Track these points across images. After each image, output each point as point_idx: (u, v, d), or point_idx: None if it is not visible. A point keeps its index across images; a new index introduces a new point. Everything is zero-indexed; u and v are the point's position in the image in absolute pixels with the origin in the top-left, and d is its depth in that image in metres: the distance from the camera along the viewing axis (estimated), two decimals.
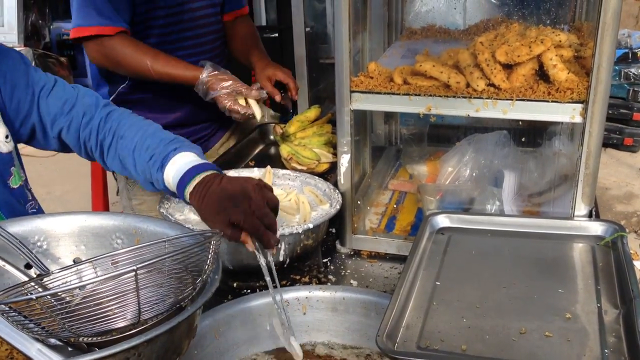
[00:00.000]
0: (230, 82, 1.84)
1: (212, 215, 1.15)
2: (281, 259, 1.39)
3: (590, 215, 1.38)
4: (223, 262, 1.39)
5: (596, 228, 1.32)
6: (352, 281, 1.46)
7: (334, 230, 1.62)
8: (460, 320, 1.10)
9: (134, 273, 0.65)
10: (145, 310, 0.70)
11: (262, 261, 1.19)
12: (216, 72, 1.85)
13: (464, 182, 1.76)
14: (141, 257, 0.74)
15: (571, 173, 1.41)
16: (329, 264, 1.53)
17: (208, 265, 0.77)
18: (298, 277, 1.44)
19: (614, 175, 4.22)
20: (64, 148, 1.38)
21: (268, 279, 1.19)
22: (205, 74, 1.84)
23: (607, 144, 4.71)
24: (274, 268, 1.19)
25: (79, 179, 4.11)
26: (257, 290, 1.37)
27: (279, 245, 1.37)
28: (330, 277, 1.47)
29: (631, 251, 3.53)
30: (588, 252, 1.28)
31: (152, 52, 1.86)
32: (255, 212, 1.14)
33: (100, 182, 3.14)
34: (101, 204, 3.13)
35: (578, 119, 1.30)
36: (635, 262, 3.51)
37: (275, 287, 1.20)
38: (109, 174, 2.81)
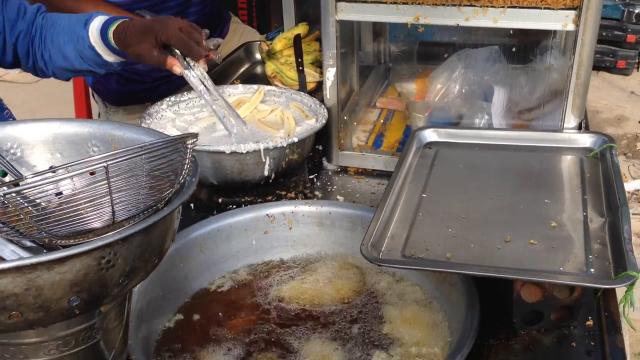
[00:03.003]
0: None
1: (138, 38, 1.29)
2: (266, 173, 1.37)
3: (579, 128, 1.36)
4: (207, 178, 1.38)
5: (585, 140, 1.31)
6: (338, 197, 1.44)
7: (320, 148, 1.60)
8: (445, 230, 1.09)
9: (104, 170, 0.62)
10: (120, 211, 0.68)
11: (192, 78, 1.37)
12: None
13: (453, 98, 1.72)
14: (120, 159, 0.71)
15: (562, 88, 1.38)
16: (315, 180, 1.51)
17: (185, 167, 0.75)
18: (284, 193, 1.43)
19: (606, 98, 4.19)
20: (14, 61, 1.45)
21: (201, 87, 1.39)
22: None
23: (599, 67, 4.64)
24: (207, 77, 1.39)
25: (63, 106, 4.04)
26: (243, 205, 1.36)
27: (264, 160, 1.35)
28: (317, 193, 1.46)
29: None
30: (576, 164, 1.26)
31: (93, 2, 1.74)
32: (182, 28, 1.31)
33: (84, 108, 3.08)
34: None
35: (571, 27, 1.26)
36: (624, 184, 3.53)
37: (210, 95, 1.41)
38: (92, 101, 2.76)
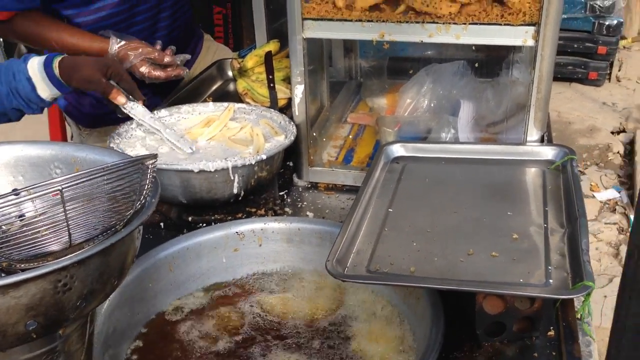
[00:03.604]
0: (140, 50, 1.71)
1: (89, 68, 1.40)
2: (235, 191, 1.38)
3: (542, 141, 1.39)
4: (176, 197, 1.39)
5: (547, 152, 1.33)
6: (308, 213, 1.46)
7: (291, 164, 1.61)
8: (410, 244, 1.11)
9: (58, 192, 0.63)
10: (77, 233, 0.69)
11: (139, 107, 1.49)
12: (124, 42, 1.72)
13: (422, 112, 1.75)
14: (77, 182, 0.72)
15: (525, 101, 1.41)
16: (285, 196, 1.52)
17: (146, 188, 0.76)
18: (254, 210, 1.44)
19: (578, 109, 4.26)
20: None
21: (149, 116, 1.51)
22: (115, 47, 1.71)
23: (571, 78, 4.73)
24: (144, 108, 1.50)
25: (39, 126, 4.02)
26: (212, 223, 1.37)
27: (233, 178, 1.36)
28: (287, 209, 1.47)
29: (592, 183, 3.61)
30: (539, 176, 1.29)
31: (56, 27, 1.73)
32: (123, 71, 1.47)
33: (58, 130, 3.08)
34: None
35: (530, 42, 1.29)
36: (596, 194, 3.59)
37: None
38: (66, 123, 2.76)
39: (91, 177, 0.69)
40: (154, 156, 0.77)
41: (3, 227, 0.72)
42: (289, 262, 1.31)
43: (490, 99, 1.73)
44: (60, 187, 0.63)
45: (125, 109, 1.47)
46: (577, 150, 3.72)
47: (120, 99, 1.45)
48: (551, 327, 1.04)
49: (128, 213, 0.77)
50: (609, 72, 4.88)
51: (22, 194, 0.66)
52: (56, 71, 1.40)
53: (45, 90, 1.42)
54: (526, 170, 1.32)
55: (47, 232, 0.67)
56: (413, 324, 1.13)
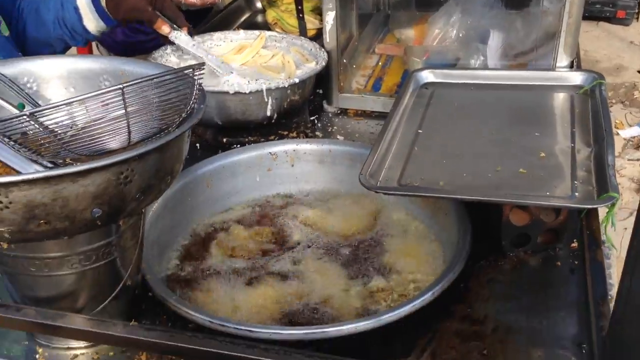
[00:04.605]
0: None
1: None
2: (268, 113, 1.42)
3: (571, 67, 1.41)
4: (212, 118, 1.43)
5: (576, 78, 1.35)
6: (338, 137, 1.50)
7: (321, 91, 1.65)
8: (440, 162, 1.15)
9: (121, 92, 0.68)
10: (135, 132, 0.74)
11: (182, 36, 1.48)
12: None
13: (450, 42, 1.76)
14: (136, 83, 0.76)
15: (555, 30, 1.42)
16: (316, 121, 1.56)
17: (194, 95, 0.80)
18: (286, 133, 1.48)
19: (605, 48, 4.20)
20: None
21: (192, 43, 1.50)
22: None
23: (599, 17, 4.64)
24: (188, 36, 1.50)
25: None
26: (246, 144, 1.41)
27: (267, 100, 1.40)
28: (318, 133, 1.51)
29: (617, 121, 3.59)
30: (567, 101, 1.31)
31: None
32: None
33: None
34: None
35: None
36: (620, 131, 3.58)
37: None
38: (97, 52, 2.79)
39: (146, 81, 0.73)
40: (201, 65, 0.81)
41: (67, 126, 0.78)
42: (321, 183, 1.36)
43: (520, 29, 1.73)
44: (122, 87, 0.68)
45: (170, 37, 1.47)
46: None
47: (164, 29, 1.45)
48: (574, 240, 1.08)
49: (178, 118, 0.82)
50: (637, 10, 4.77)
51: (87, 95, 0.71)
52: (103, 2, 1.40)
53: (91, 21, 1.42)
54: (555, 95, 1.34)
55: (108, 129, 0.72)
56: (442, 239, 1.18)
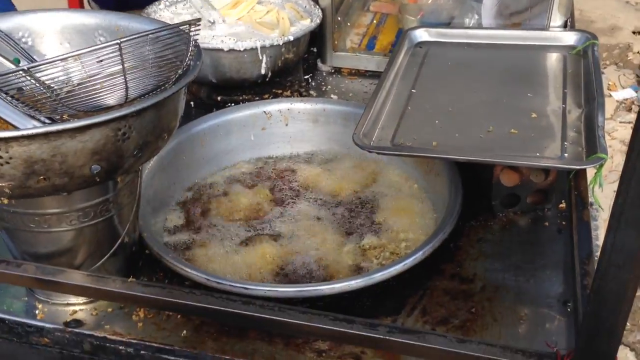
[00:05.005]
0: None
1: None
2: (263, 71, 1.42)
3: (565, 27, 1.41)
4: (206, 76, 1.43)
5: (569, 38, 1.35)
6: (332, 95, 1.50)
7: (315, 50, 1.64)
8: (433, 122, 1.16)
9: (118, 47, 0.68)
10: (132, 88, 0.74)
11: None
12: None
13: (445, 1, 1.75)
14: (133, 39, 0.76)
15: None
16: (310, 80, 1.57)
17: (189, 51, 0.80)
18: (280, 92, 1.48)
19: (601, 8, 4.16)
20: None
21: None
22: None
23: None
24: None
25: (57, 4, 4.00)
26: (240, 103, 1.42)
27: (261, 58, 1.40)
28: (312, 92, 1.52)
29: (610, 82, 3.57)
30: (560, 61, 1.32)
31: None
32: None
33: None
34: None
35: None
36: (613, 93, 3.57)
37: None
38: (88, 7, 2.75)
39: (142, 36, 0.73)
40: (197, 21, 0.81)
41: (70, 82, 0.78)
42: (315, 143, 1.37)
43: None
44: (119, 42, 0.68)
45: None
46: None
47: None
48: (562, 200, 1.10)
49: (174, 75, 0.82)
50: None
51: (84, 51, 0.71)
52: None
53: None
54: (548, 55, 1.35)
55: (106, 84, 0.73)
56: (433, 199, 1.20)
